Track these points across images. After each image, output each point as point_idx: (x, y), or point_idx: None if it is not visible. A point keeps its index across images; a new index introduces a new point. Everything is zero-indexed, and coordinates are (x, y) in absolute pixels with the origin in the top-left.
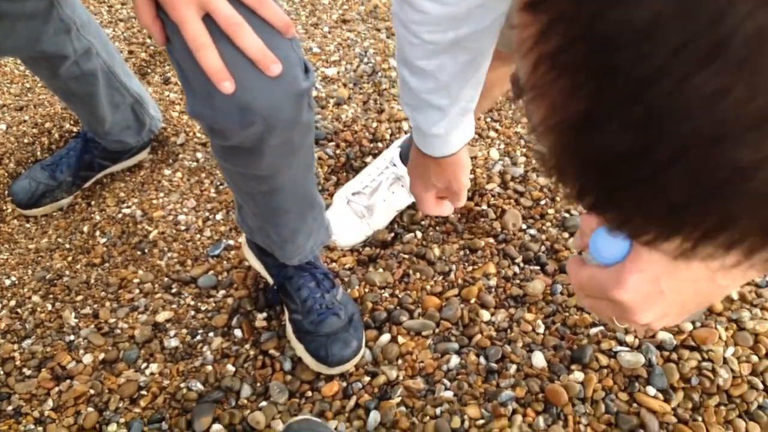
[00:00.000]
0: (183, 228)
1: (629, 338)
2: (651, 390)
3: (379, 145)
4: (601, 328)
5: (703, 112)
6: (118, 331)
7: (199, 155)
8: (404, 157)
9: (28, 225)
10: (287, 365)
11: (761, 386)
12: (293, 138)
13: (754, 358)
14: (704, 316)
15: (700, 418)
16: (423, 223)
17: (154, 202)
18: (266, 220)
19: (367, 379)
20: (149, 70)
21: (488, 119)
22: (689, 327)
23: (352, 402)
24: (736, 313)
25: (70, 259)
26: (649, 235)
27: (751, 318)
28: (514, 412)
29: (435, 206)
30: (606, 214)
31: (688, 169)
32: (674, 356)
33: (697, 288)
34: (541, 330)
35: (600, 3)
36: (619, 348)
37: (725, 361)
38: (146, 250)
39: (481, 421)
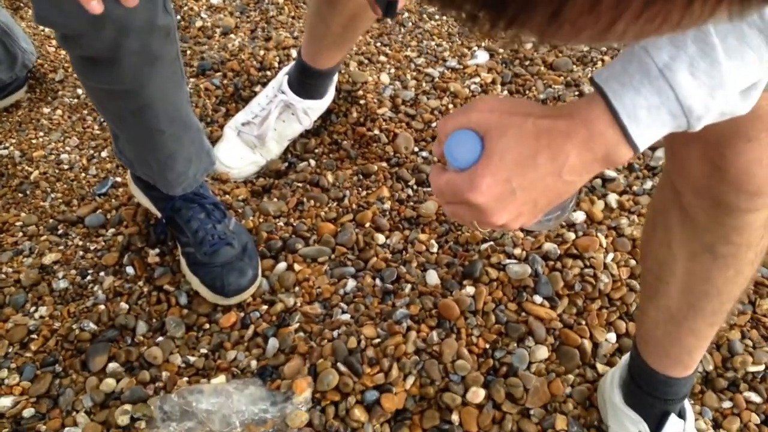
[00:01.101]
0: (66, 167)
1: (517, 251)
2: (537, 298)
3: (268, 73)
4: (492, 243)
5: None
6: (3, 276)
7: (79, 91)
8: (292, 84)
9: None
10: (183, 299)
11: (639, 288)
12: (151, 44)
13: (632, 262)
14: (585, 225)
15: (583, 322)
16: (316, 151)
17: (34, 141)
18: (141, 146)
19: (264, 307)
20: (22, 4)
21: (378, 44)
22: (572, 236)
23: (250, 331)
24: (615, 220)
25: None
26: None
27: (629, 224)
28: (409, 329)
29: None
30: None
31: None
32: (559, 265)
33: (546, 185)
34: (435, 249)
35: None
36: (507, 261)
37: (606, 266)
38: (28, 192)
39: (377, 340)
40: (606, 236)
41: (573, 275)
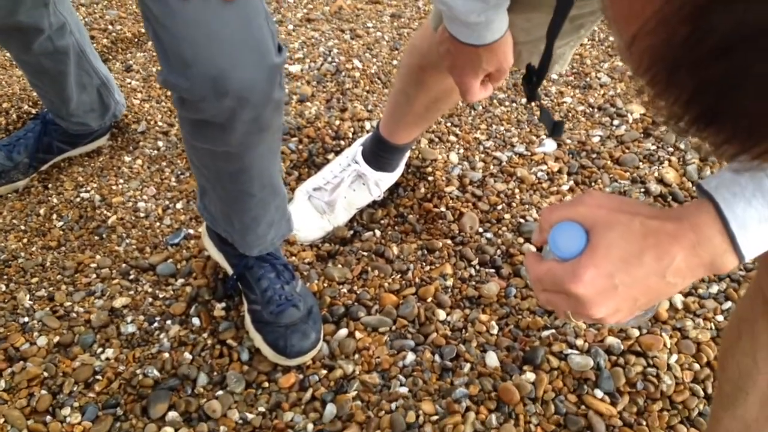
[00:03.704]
0: (142, 215)
1: (579, 342)
2: (598, 393)
3: (342, 143)
4: (553, 331)
5: None
6: (74, 315)
7: (160, 143)
8: (366, 155)
9: None
10: (245, 355)
11: (702, 393)
12: (264, 114)
13: (696, 366)
14: (650, 323)
15: (644, 422)
16: (382, 222)
17: (114, 188)
18: (230, 205)
19: (323, 372)
20: (110, 57)
21: (448, 124)
22: (636, 333)
23: (308, 394)
24: (680, 321)
25: (25, 240)
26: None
27: (694, 327)
28: (468, 409)
29: (481, 91)
30: (717, 124)
31: None
32: (621, 361)
33: (648, 285)
34: (495, 331)
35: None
36: (569, 351)
37: (669, 367)
38: (104, 236)
39: (435, 417)
40: (670, 337)
41: (635, 373)
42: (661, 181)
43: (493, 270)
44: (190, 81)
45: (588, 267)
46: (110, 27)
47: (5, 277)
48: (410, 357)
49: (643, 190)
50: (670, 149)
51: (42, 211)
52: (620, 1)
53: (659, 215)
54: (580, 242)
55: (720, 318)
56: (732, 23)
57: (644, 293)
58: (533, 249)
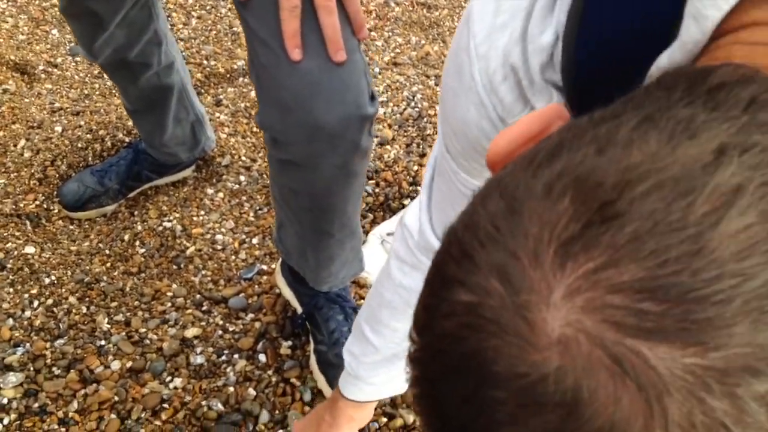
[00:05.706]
0: (219, 247)
1: None
2: None
3: (418, 188)
4: None
5: None
6: (148, 341)
7: (242, 178)
8: None
9: (71, 227)
10: (307, 396)
11: None
12: (351, 161)
13: None
14: None
15: None
16: None
17: (195, 218)
18: (307, 242)
19: (384, 420)
20: (203, 91)
21: None
22: None
23: None
24: None
25: (108, 265)
26: None
27: None
28: None
29: None
30: None
31: None
32: None
33: None
34: None
35: (432, 380)
36: None
37: None
38: (182, 265)
39: None
40: None
41: None
42: None
43: None
44: (285, 125)
45: None
46: (205, 62)
47: (87, 299)
48: None
49: None
50: None
51: (126, 237)
52: None
53: None
54: None
55: None
56: None
57: None
58: None
